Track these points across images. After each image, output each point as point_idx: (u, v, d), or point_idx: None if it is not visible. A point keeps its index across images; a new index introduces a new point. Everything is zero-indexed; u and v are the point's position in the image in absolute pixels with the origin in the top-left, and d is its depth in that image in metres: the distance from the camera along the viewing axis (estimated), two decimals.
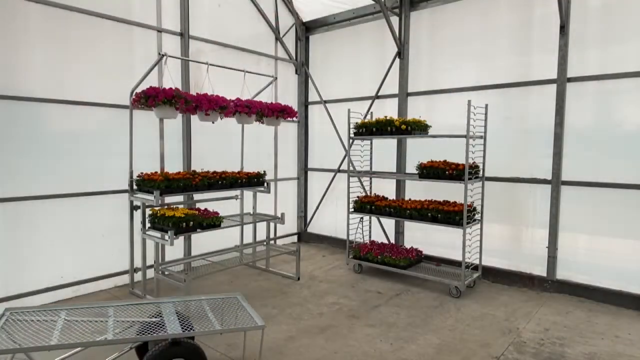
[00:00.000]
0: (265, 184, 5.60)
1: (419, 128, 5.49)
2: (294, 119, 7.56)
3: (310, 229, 7.95)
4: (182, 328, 2.99)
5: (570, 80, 5.04)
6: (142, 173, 4.82)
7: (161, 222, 4.49)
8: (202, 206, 5.37)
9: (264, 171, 5.67)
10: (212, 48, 6.24)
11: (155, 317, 3.22)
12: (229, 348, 3.75)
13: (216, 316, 3.25)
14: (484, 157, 5.32)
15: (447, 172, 5.07)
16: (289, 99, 7.58)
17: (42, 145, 4.65)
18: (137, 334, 2.96)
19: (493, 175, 5.59)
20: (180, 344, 2.91)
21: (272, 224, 6.93)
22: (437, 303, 4.85)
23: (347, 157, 6.61)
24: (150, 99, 4.27)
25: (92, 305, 3.34)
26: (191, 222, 4.51)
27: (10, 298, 4.47)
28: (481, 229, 5.47)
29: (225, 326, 3.11)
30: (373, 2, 6.33)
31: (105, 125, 5.13)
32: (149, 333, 2.95)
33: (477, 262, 5.51)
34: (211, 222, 4.74)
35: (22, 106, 4.49)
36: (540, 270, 5.32)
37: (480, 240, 5.47)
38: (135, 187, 4.80)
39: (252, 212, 6.11)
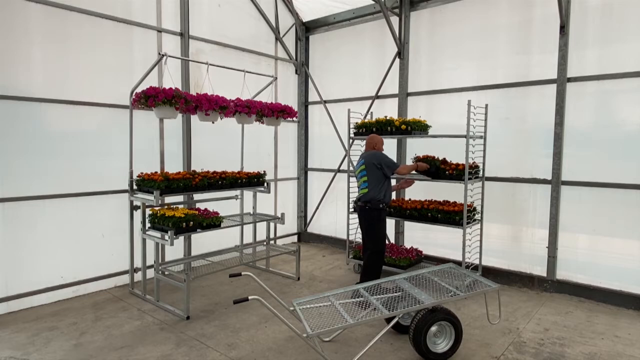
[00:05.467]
0: (265, 184, 5.61)
1: (419, 128, 5.49)
2: (294, 119, 7.56)
3: (310, 229, 7.95)
4: (432, 297, 3.52)
5: (570, 80, 5.04)
6: (142, 173, 4.82)
7: (161, 222, 4.49)
8: (202, 206, 5.37)
9: (264, 171, 5.67)
10: (212, 48, 6.24)
11: (398, 292, 3.75)
12: (229, 348, 3.75)
13: (449, 284, 3.83)
14: (484, 157, 5.32)
15: (447, 172, 5.07)
16: (289, 99, 7.58)
17: (42, 145, 4.65)
18: (389, 308, 3.44)
19: (493, 175, 5.59)
20: (437, 310, 3.49)
21: (272, 224, 6.94)
22: None
23: (347, 157, 6.61)
24: (150, 99, 4.28)
25: (346, 289, 3.87)
26: (191, 222, 4.51)
27: (10, 298, 4.48)
28: (481, 229, 5.47)
29: (461, 291, 3.64)
30: (373, 2, 6.33)
31: (105, 125, 5.13)
32: (401, 306, 3.48)
33: (477, 262, 5.51)
34: (211, 222, 4.74)
35: (22, 106, 4.49)
36: (540, 270, 5.32)
37: (480, 240, 5.48)
38: (135, 187, 4.80)
39: (252, 212, 6.11)
